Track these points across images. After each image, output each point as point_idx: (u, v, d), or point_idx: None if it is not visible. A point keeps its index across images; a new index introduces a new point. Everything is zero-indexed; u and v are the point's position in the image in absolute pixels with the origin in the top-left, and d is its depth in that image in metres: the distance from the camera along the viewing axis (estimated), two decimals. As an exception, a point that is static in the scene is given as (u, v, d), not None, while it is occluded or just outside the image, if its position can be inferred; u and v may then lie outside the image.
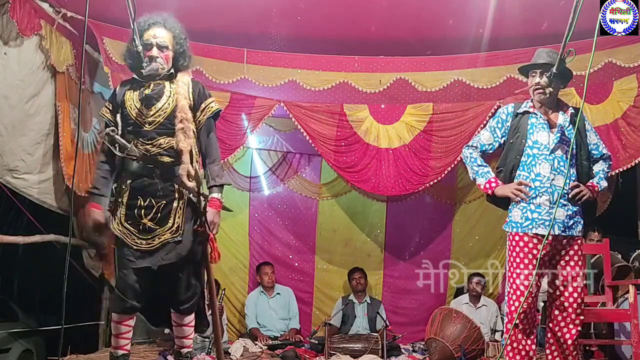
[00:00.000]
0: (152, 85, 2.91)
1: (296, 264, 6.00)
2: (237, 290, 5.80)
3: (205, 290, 3.09)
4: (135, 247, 2.81)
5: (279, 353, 4.60)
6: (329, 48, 4.86)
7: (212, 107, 3.00)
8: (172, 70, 2.97)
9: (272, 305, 5.49)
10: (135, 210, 2.83)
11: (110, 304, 2.92)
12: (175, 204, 2.86)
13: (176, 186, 2.87)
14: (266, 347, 4.84)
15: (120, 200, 2.86)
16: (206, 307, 3.18)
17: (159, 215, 2.84)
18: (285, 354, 4.53)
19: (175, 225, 2.85)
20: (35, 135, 4.33)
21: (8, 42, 4.01)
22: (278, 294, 5.56)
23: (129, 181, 2.86)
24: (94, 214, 2.87)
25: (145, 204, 2.83)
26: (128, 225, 2.84)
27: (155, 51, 2.88)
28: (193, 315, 3.06)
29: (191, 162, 2.87)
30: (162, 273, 2.87)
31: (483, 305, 5.37)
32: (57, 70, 4.41)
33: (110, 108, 2.96)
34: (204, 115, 2.97)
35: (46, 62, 4.34)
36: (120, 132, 2.88)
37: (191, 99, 2.93)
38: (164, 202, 2.85)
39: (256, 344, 4.89)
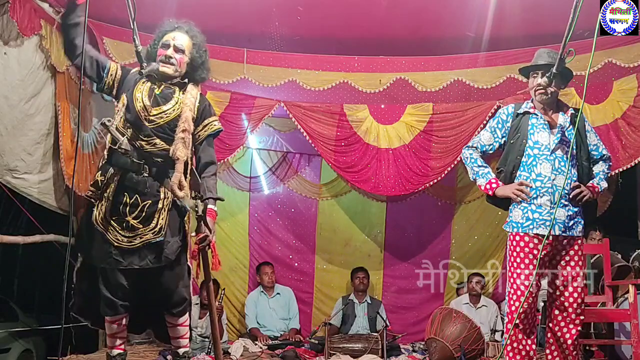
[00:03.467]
0: (162, 87, 2.92)
1: (296, 264, 5.99)
2: (237, 290, 5.80)
3: (202, 295, 3.10)
4: (116, 244, 2.79)
5: (279, 353, 4.60)
6: (329, 48, 4.86)
7: (214, 125, 3.01)
8: (186, 80, 2.98)
9: (272, 305, 5.49)
10: (120, 207, 2.81)
11: (101, 309, 2.87)
12: (160, 205, 2.85)
13: (163, 187, 2.86)
14: (266, 347, 4.83)
15: (105, 194, 2.83)
16: (194, 315, 3.18)
17: (144, 214, 2.81)
18: (285, 354, 4.53)
19: (158, 226, 2.83)
20: (35, 135, 4.33)
21: (8, 42, 4.01)
22: (278, 294, 5.56)
23: (116, 176, 2.84)
24: None
25: (131, 201, 2.81)
26: (112, 221, 2.81)
27: (170, 51, 2.89)
28: (187, 315, 3.06)
29: (185, 173, 2.87)
30: (146, 274, 2.85)
31: (483, 305, 5.37)
32: (57, 70, 4.41)
33: (117, 71, 2.92)
34: (204, 131, 2.98)
35: (46, 62, 4.34)
36: (119, 117, 2.86)
37: (195, 112, 2.94)
38: (150, 201, 2.83)
39: (256, 344, 4.89)
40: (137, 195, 2.81)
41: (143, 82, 2.92)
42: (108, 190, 2.83)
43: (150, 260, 2.81)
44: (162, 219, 2.84)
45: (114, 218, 2.81)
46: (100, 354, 4.35)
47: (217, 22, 4.43)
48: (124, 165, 2.83)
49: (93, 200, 2.86)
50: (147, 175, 2.83)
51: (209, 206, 2.87)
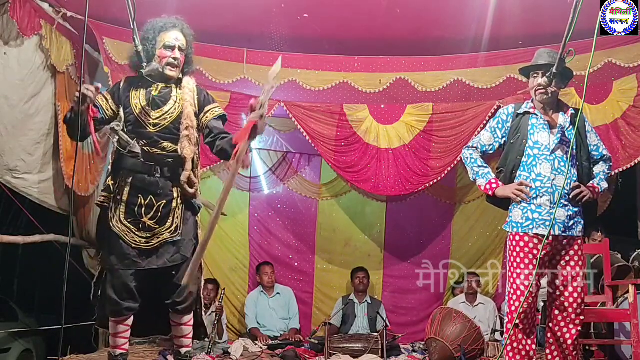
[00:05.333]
0: (159, 88, 2.93)
1: (296, 264, 5.99)
2: (237, 290, 5.80)
3: (202, 296, 3.12)
4: (134, 246, 2.82)
5: (279, 353, 4.60)
6: (329, 48, 4.86)
7: (215, 111, 3.03)
8: (180, 75, 3.00)
9: (272, 305, 5.49)
10: (136, 209, 2.84)
11: (107, 310, 2.90)
12: (174, 204, 2.89)
13: (175, 186, 2.89)
14: (266, 347, 4.83)
15: (119, 197, 2.86)
16: (203, 313, 3.19)
17: (159, 214, 2.86)
18: (285, 354, 4.52)
19: (174, 225, 2.88)
20: (35, 135, 4.32)
21: (8, 42, 4.01)
22: (278, 293, 5.56)
23: (128, 179, 2.86)
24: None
25: (146, 202, 2.85)
26: (128, 223, 2.84)
27: (176, 53, 2.92)
28: (192, 314, 3.06)
29: (193, 169, 2.91)
30: (160, 273, 2.88)
31: (480, 303, 5.36)
32: (57, 70, 4.41)
33: (107, 99, 2.94)
34: (206, 118, 2.99)
35: (46, 62, 4.34)
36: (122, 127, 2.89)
37: (196, 105, 2.97)
38: (164, 201, 2.87)
39: (256, 344, 4.89)
40: (151, 197, 2.85)
41: (136, 89, 2.93)
42: (121, 194, 2.85)
43: (168, 259, 2.87)
44: (177, 217, 2.89)
45: (129, 220, 2.85)
46: (100, 354, 4.35)
47: (217, 22, 4.43)
48: (134, 168, 2.85)
49: (107, 205, 2.89)
50: (159, 176, 2.87)
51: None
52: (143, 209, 2.84)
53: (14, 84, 4.09)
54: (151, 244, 2.84)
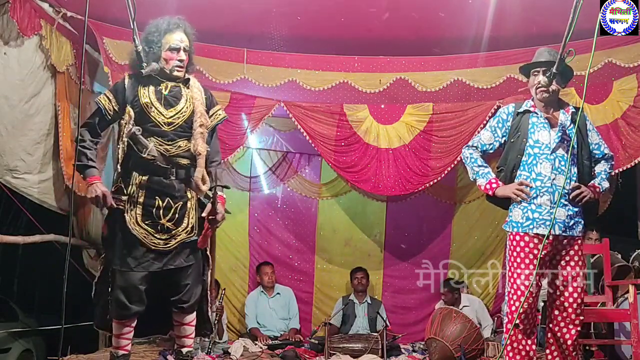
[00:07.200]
0: (169, 87, 2.94)
1: (296, 264, 5.99)
2: (237, 290, 5.80)
3: (208, 293, 3.14)
4: (153, 248, 2.83)
5: (279, 353, 4.60)
6: (329, 48, 4.86)
7: (219, 114, 3.10)
8: (185, 74, 3.02)
9: (272, 305, 5.49)
10: (154, 211, 2.86)
11: (112, 312, 2.89)
12: (189, 205, 2.93)
13: (189, 188, 2.92)
14: (266, 347, 4.84)
15: (134, 199, 2.87)
16: (209, 310, 3.21)
17: (177, 216, 2.89)
18: (285, 353, 4.53)
19: (190, 226, 2.92)
20: (35, 135, 4.32)
21: (8, 42, 4.01)
22: (278, 293, 5.57)
23: (143, 180, 2.86)
24: (99, 186, 2.82)
25: (164, 204, 2.86)
26: (146, 226, 2.85)
27: (182, 54, 2.95)
28: (194, 314, 3.07)
29: (205, 166, 2.96)
30: (172, 273, 2.89)
31: (465, 306, 5.30)
32: (57, 70, 4.41)
33: (110, 99, 2.95)
34: (211, 122, 3.04)
35: (46, 62, 4.34)
36: (129, 129, 2.89)
37: (205, 104, 3.01)
38: (181, 202, 2.90)
39: (256, 344, 4.89)
40: (168, 199, 2.87)
41: (144, 87, 2.92)
42: (137, 196, 2.86)
43: (184, 259, 2.91)
44: (192, 218, 2.94)
45: (147, 222, 2.86)
46: (100, 354, 4.34)
47: (217, 22, 4.43)
48: (148, 170, 2.88)
49: (121, 207, 2.88)
50: (174, 178, 2.90)
51: (219, 193, 2.92)
52: (161, 210, 2.86)
53: (14, 84, 4.08)
54: (169, 245, 2.87)
